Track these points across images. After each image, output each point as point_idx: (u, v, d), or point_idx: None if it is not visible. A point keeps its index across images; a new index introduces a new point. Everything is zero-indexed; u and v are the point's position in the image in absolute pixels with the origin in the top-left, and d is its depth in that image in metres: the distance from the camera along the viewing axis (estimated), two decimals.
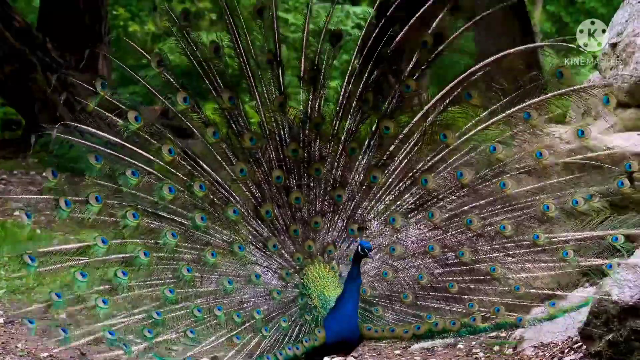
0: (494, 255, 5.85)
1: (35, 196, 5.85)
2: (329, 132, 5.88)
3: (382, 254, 5.87)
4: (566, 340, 7.11)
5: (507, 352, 7.41)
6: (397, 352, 7.62)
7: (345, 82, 5.88)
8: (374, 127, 5.89)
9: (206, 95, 5.93)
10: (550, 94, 5.77)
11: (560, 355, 7.03)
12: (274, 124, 5.87)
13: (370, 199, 5.91)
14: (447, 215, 5.86)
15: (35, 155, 14.47)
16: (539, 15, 20.40)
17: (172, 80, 5.81)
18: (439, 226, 5.86)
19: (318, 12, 5.94)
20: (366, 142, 5.89)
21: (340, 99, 5.88)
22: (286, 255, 5.90)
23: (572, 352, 6.97)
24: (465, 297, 5.83)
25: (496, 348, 7.55)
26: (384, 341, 5.94)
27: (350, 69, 5.88)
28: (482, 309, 5.79)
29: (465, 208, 5.85)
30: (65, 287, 5.77)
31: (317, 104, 5.88)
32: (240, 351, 5.67)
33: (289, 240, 5.90)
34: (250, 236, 5.89)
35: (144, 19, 20.02)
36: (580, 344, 6.89)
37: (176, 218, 5.80)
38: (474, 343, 7.72)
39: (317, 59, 5.85)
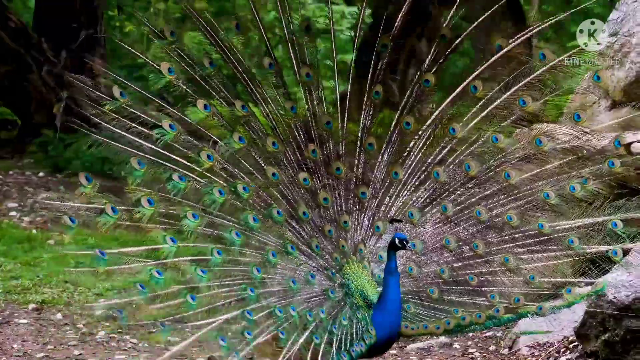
0: (505, 246, 5.95)
1: (78, 204, 5.72)
2: (339, 129, 5.94)
3: (404, 250, 5.88)
4: (562, 339, 7.11)
5: (503, 352, 7.41)
6: (393, 352, 7.61)
7: (345, 75, 5.97)
8: (394, 122, 5.97)
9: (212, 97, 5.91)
10: (540, 70, 5.88)
11: (556, 354, 7.03)
12: (287, 127, 5.92)
13: (391, 195, 5.99)
14: (458, 207, 5.97)
15: (31, 155, 14.44)
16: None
17: (187, 89, 5.81)
18: (452, 219, 5.97)
19: (314, 11, 5.92)
20: (387, 138, 5.97)
21: (348, 94, 5.95)
22: (326, 255, 5.94)
23: (568, 351, 6.97)
24: (486, 289, 5.92)
25: (492, 348, 7.55)
26: None
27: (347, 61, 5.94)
28: (502, 300, 5.85)
29: (474, 200, 5.96)
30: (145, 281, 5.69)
31: (318, 101, 5.94)
32: (318, 351, 5.63)
33: (326, 241, 5.95)
34: (294, 238, 5.92)
35: (141, 19, 19.93)
36: (576, 343, 6.89)
37: (226, 222, 5.78)
38: (469, 343, 7.71)
39: (303, 53, 5.91)
